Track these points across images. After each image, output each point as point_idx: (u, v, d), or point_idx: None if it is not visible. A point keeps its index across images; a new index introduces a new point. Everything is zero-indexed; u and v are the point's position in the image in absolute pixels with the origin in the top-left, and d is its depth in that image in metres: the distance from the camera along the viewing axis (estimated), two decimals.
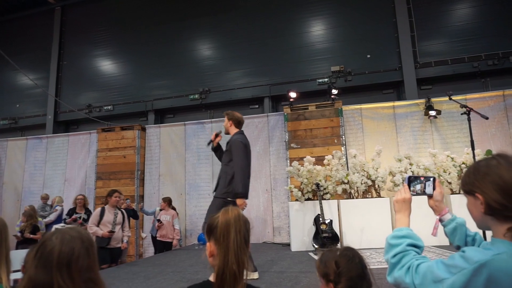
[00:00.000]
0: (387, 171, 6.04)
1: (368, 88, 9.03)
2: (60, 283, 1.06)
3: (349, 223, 5.88)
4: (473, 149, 5.03)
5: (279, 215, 7.66)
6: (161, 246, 6.83)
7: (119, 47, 11.25)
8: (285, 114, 7.81)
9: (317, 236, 5.60)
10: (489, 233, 1.07)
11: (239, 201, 4.02)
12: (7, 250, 1.59)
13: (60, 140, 9.81)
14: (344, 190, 6.09)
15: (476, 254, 0.95)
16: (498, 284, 0.89)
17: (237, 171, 4.04)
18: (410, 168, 5.99)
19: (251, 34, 9.94)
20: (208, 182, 8.30)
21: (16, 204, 9.60)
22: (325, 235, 5.52)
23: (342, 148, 7.26)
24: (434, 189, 1.37)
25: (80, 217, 6.61)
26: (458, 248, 1.40)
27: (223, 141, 4.46)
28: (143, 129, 9.05)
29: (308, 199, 6.08)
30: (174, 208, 7.28)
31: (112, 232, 5.30)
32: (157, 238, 6.87)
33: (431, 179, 1.37)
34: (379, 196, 6.05)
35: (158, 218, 6.85)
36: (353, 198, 6.14)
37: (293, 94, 7.67)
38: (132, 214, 6.91)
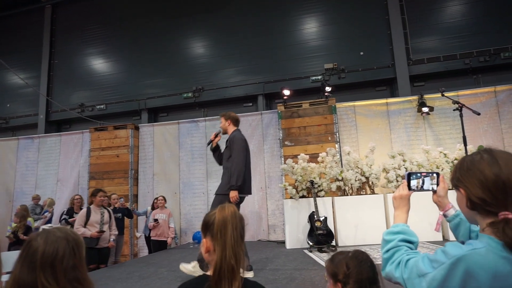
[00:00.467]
0: (381, 168, 6.07)
1: (361, 85, 9.06)
2: (44, 283, 1.07)
3: (343, 220, 5.91)
4: (465, 144, 5.07)
5: (274, 213, 7.67)
6: (157, 245, 6.77)
7: (112, 46, 11.15)
8: (279, 112, 7.81)
9: (311, 234, 5.61)
10: None
11: (232, 193, 4.05)
12: None
13: (52, 140, 9.71)
14: (339, 187, 6.11)
15: (455, 248, 0.97)
16: (475, 278, 0.91)
17: (235, 165, 4.12)
18: (404, 165, 6.03)
19: (245, 32, 9.92)
20: (203, 180, 8.28)
21: (8, 205, 9.49)
22: (320, 232, 5.53)
23: (336, 145, 7.28)
24: (438, 184, 1.36)
25: None
26: (462, 243, 1.40)
27: (222, 142, 4.55)
28: (137, 128, 8.99)
29: (303, 196, 6.09)
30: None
31: (101, 232, 5.23)
32: (152, 238, 6.80)
33: (434, 174, 1.36)
34: (373, 192, 6.08)
35: (155, 218, 6.79)
36: (347, 195, 6.16)
37: (286, 92, 7.67)
38: (127, 213, 6.86)
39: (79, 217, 5.30)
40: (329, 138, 7.41)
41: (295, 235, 5.97)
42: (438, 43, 8.71)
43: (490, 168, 1.01)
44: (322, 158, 6.35)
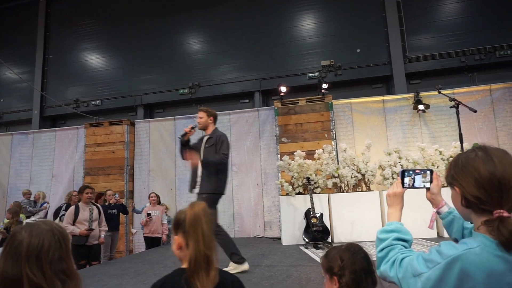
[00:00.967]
0: (377, 165, 6.09)
1: (358, 83, 9.08)
2: (30, 275, 1.06)
3: (339, 216, 5.93)
4: (461, 142, 5.10)
5: (270, 209, 7.68)
6: (149, 242, 6.72)
7: (107, 41, 11.06)
8: (276, 108, 7.80)
9: (307, 230, 5.62)
10: None
11: (193, 157, 4.05)
12: None
13: (46, 136, 9.63)
14: (335, 184, 6.12)
15: (450, 248, 0.96)
16: (471, 278, 0.91)
17: (219, 158, 4.02)
18: (399, 162, 6.05)
19: (241, 28, 9.88)
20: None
21: (2, 201, 9.41)
22: (316, 229, 5.55)
23: (333, 142, 7.29)
24: (431, 181, 1.36)
25: None
26: (456, 241, 1.40)
27: (195, 137, 4.39)
28: (132, 124, 8.93)
29: (299, 193, 6.10)
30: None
31: (90, 230, 5.15)
32: (145, 235, 6.73)
33: (428, 172, 1.36)
34: (369, 189, 6.10)
35: (148, 213, 6.73)
36: (343, 192, 6.18)
37: (283, 89, 7.66)
38: (122, 209, 6.82)
39: (67, 215, 5.21)
40: (326, 135, 7.41)
41: (291, 231, 5.98)
42: (434, 41, 8.73)
43: (484, 166, 1.00)
44: (319, 155, 6.36)
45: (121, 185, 8.37)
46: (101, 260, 5.82)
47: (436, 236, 5.57)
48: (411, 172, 1.35)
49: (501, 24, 8.31)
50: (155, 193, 7.07)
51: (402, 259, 1.07)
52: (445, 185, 1.18)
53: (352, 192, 6.11)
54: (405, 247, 1.14)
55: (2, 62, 8.13)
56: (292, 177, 6.11)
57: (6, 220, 6.52)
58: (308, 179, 5.94)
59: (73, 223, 5.10)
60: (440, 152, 6.15)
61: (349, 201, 5.95)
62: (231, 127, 8.28)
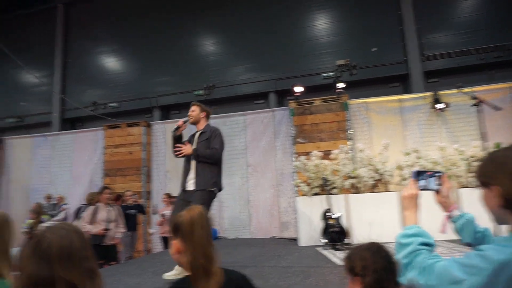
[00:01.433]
0: (395, 165, 6.01)
1: (374, 82, 8.98)
2: (63, 275, 1.09)
3: (357, 217, 5.86)
4: (485, 141, 4.97)
5: (286, 210, 7.66)
6: (165, 242, 6.78)
7: (124, 44, 11.24)
8: (291, 108, 7.79)
9: (325, 231, 5.58)
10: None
11: (189, 149, 3.84)
12: (6, 245, 1.59)
13: (66, 138, 9.84)
14: (352, 185, 6.06)
15: (495, 252, 0.90)
16: None
17: (214, 150, 3.86)
18: (418, 162, 5.95)
19: (255, 29, 9.90)
20: None
21: (24, 202, 9.65)
22: (334, 230, 5.50)
23: (349, 142, 7.23)
24: (441, 184, 1.32)
25: None
26: (468, 245, 1.35)
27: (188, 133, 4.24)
28: (149, 126, 9.05)
29: (316, 193, 6.05)
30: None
31: (106, 230, 5.25)
32: (161, 235, 6.79)
33: (437, 174, 1.32)
34: (387, 190, 6.02)
35: (162, 213, 6.79)
36: (361, 192, 6.12)
37: (298, 89, 7.64)
38: (140, 209, 6.92)
39: (87, 214, 5.35)
40: (342, 135, 7.36)
41: (308, 232, 5.94)
42: (451, 38, 8.58)
43: None
44: (335, 155, 6.31)
45: (139, 186, 8.48)
46: (121, 260, 5.90)
47: (454, 237, 5.44)
48: (424, 173, 1.32)
49: None
50: (166, 194, 7.13)
51: (432, 265, 1.00)
52: (465, 186, 1.15)
53: (370, 192, 6.04)
54: (430, 251, 1.10)
55: (23, 65, 8.35)
56: (309, 177, 6.08)
57: (29, 221, 6.71)
58: (325, 179, 5.89)
59: (91, 223, 5.22)
60: (460, 151, 6.02)
61: (367, 201, 5.88)
62: (247, 128, 8.30)
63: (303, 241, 5.97)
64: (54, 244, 1.12)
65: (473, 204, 1.13)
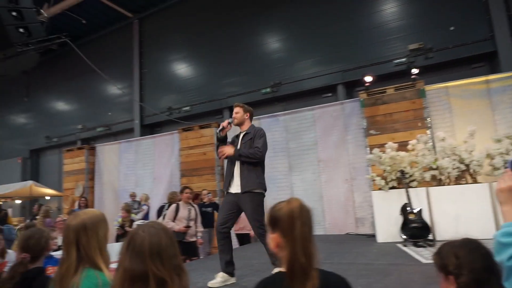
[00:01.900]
0: (484, 154, 5.42)
1: (453, 64, 8.19)
2: (154, 270, 1.17)
3: (441, 212, 5.41)
4: None
5: (362, 205, 7.37)
6: (240, 239, 6.93)
7: (192, 50, 11.81)
8: (361, 100, 7.46)
9: (405, 227, 5.26)
10: None
11: (229, 150, 3.74)
12: (102, 242, 1.73)
13: (146, 142, 10.66)
14: (433, 177, 5.62)
15: None
16: None
17: (257, 149, 3.76)
18: None
19: (319, 21, 9.67)
20: (285, 174, 8.30)
21: (114, 202, 10.69)
22: (415, 225, 5.16)
23: (428, 131, 6.70)
24: None
25: None
26: None
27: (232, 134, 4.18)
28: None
29: (393, 187, 5.74)
30: None
31: (188, 227, 5.54)
32: (235, 232, 6.96)
33: None
34: (475, 181, 5.46)
35: None
36: (444, 185, 5.64)
37: (368, 78, 7.28)
38: (215, 207, 7.21)
39: (169, 212, 5.70)
40: (419, 124, 6.84)
41: (386, 228, 5.65)
42: None
43: None
44: (413, 146, 5.91)
45: (213, 185, 8.83)
46: (201, 255, 6.21)
47: None
48: None
49: None
50: None
51: None
52: None
53: (455, 185, 5.53)
54: None
55: (108, 79, 9.25)
56: (384, 170, 5.77)
57: (120, 219, 7.40)
58: (402, 172, 5.56)
59: (174, 220, 5.57)
60: None
61: (452, 194, 5.40)
62: (315, 123, 8.16)
63: (381, 237, 5.70)
64: (146, 242, 1.21)
65: None
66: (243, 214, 6.87)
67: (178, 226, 5.50)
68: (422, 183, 5.69)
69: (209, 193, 7.60)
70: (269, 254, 3.62)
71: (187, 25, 11.94)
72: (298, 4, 10.02)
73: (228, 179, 3.88)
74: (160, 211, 7.13)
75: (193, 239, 5.73)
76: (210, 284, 3.61)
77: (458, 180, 5.56)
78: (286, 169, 8.33)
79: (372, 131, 7.23)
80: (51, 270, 2.49)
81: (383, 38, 8.90)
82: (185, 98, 11.64)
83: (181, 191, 5.85)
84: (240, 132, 4.03)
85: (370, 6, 9.12)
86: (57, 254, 2.93)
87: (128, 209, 7.27)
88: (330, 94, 9.52)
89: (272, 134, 8.64)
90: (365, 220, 7.29)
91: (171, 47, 12.25)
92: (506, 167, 1.18)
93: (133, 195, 9.15)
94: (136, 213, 8.32)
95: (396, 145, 5.91)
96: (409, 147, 5.95)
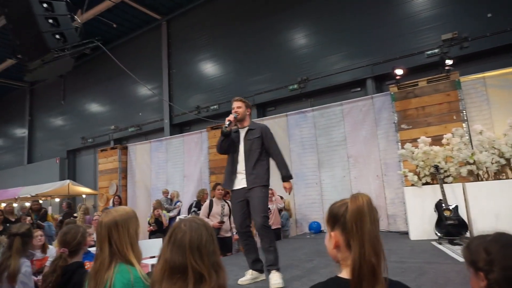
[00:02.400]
0: None
1: (491, 53, 7.77)
2: (193, 263, 1.20)
3: (479, 208, 5.18)
4: None
5: (393, 202, 7.18)
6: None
7: (219, 49, 11.91)
8: (392, 93, 7.25)
9: (440, 224, 5.07)
10: None
11: (289, 184, 3.88)
12: (134, 238, 1.78)
13: (176, 141, 10.88)
14: (470, 172, 5.37)
15: None
16: None
17: (281, 156, 3.94)
18: None
19: (345, 14, 9.47)
20: (314, 170, 8.23)
21: (147, 199, 11.00)
22: (451, 223, 4.97)
23: (464, 124, 6.42)
24: None
25: None
26: None
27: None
28: None
29: (426, 183, 5.55)
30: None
31: (222, 222, 5.63)
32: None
33: None
34: None
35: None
36: (482, 180, 5.39)
37: (399, 71, 7.06)
38: None
39: (203, 208, 5.85)
40: (454, 117, 6.57)
41: (420, 225, 5.48)
42: None
43: None
44: (448, 140, 5.68)
45: None
46: (233, 251, 6.29)
47: None
48: None
49: None
50: (270, 189, 7.35)
51: None
52: None
53: (495, 180, 5.27)
54: None
55: (139, 81, 9.50)
56: (417, 166, 5.59)
57: (152, 216, 7.63)
58: (436, 167, 5.36)
59: (208, 216, 5.68)
60: None
61: (491, 190, 5.15)
62: (344, 118, 8.02)
63: (414, 235, 5.54)
64: (187, 236, 1.25)
65: None
66: (273, 210, 6.90)
67: (212, 222, 5.60)
68: (458, 178, 5.47)
69: None
70: (265, 252, 3.66)
71: (213, 24, 12.06)
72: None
73: (229, 176, 3.87)
74: (190, 208, 7.27)
75: (228, 234, 5.83)
76: (240, 281, 3.64)
77: (498, 175, 5.29)
78: (315, 165, 8.25)
79: (403, 126, 7.02)
80: (88, 265, 2.60)
81: (413, 29, 8.59)
82: (212, 96, 11.77)
83: (213, 188, 5.96)
84: (239, 128, 3.95)
85: None
86: (94, 249, 3.06)
87: (159, 207, 7.48)
88: (359, 89, 9.32)
89: (300, 130, 8.58)
90: (397, 217, 7.10)
91: (198, 47, 12.41)
92: None
93: (165, 192, 9.39)
94: (168, 210, 8.52)
95: (429, 140, 5.71)
96: (444, 141, 5.72)
